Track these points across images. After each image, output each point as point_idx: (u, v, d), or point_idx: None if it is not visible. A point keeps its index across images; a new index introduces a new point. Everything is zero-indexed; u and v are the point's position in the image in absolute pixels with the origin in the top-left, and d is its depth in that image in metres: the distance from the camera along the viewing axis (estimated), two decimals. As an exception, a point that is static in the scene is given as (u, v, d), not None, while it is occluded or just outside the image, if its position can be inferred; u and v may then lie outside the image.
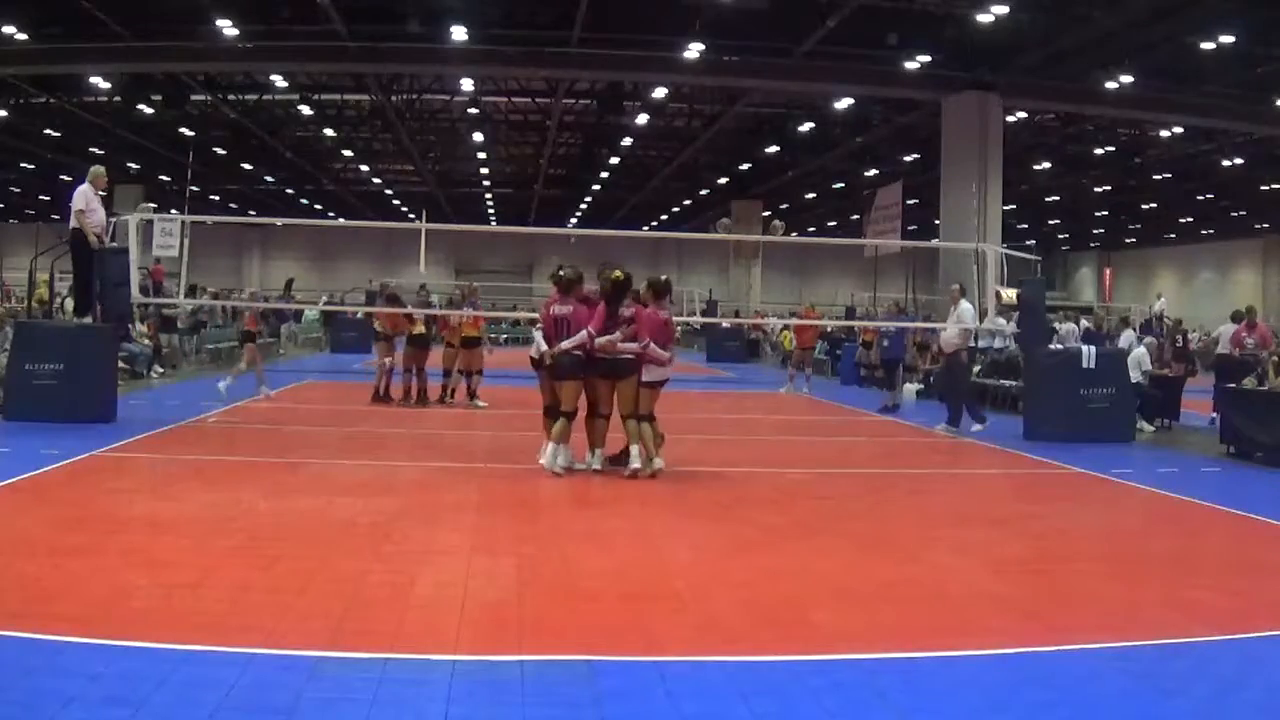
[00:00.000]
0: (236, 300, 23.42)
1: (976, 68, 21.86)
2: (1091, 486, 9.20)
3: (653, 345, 8.66)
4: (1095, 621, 4.91)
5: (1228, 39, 18.55)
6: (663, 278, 9.32)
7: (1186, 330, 25.24)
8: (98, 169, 11.80)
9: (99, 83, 25.46)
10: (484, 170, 39.72)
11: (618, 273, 8.63)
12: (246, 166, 38.08)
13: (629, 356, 8.40)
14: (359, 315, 29.81)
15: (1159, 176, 35.23)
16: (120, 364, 13.43)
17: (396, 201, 47.15)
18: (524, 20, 21.00)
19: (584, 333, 8.40)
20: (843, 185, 39.02)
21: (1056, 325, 19.22)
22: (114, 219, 12.35)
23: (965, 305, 13.21)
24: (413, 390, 14.17)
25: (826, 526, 7.16)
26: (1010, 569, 6.00)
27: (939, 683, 4.01)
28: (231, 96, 27.57)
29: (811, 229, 49.58)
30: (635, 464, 8.34)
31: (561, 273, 9.00)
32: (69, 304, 14.24)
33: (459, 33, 20.52)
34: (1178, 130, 27.34)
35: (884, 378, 16.23)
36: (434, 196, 43.94)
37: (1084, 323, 23.66)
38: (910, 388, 18.23)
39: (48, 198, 42.21)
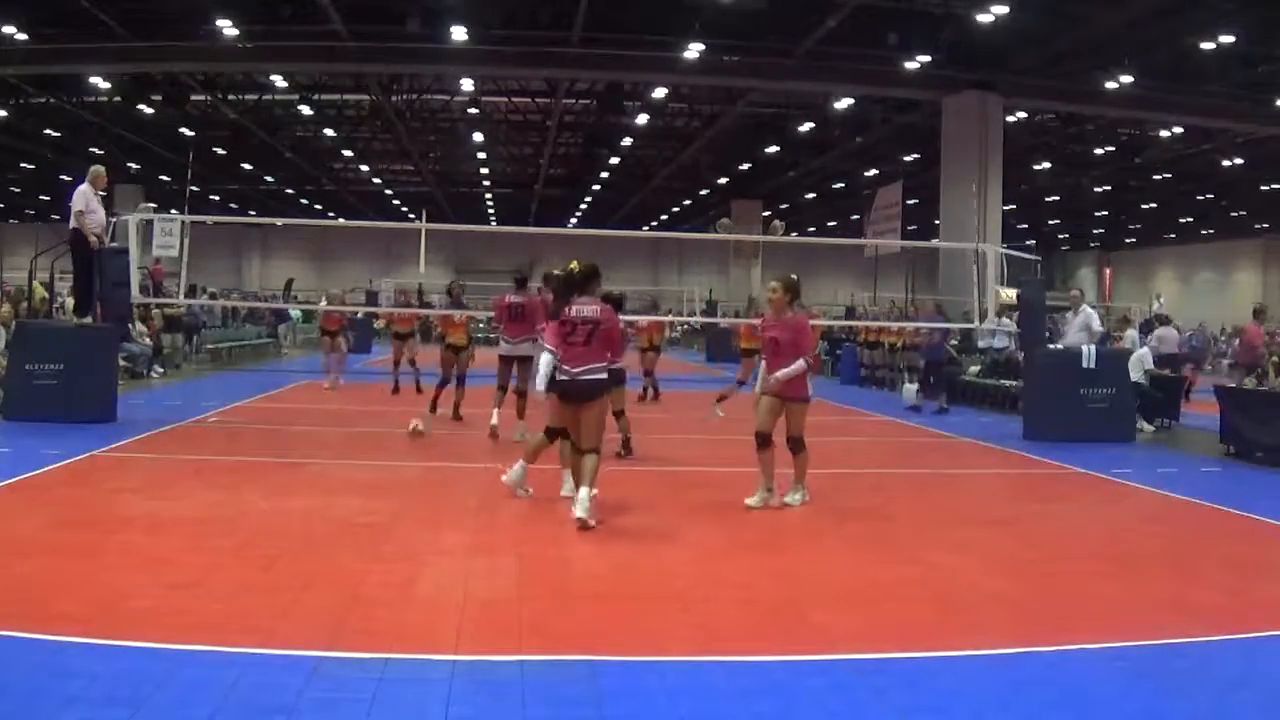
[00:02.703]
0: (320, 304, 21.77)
1: (976, 68, 21.87)
2: (1091, 486, 9.20)
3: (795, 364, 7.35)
4: (1095, 621, 4.91)
5: (1228, 39, 18.57)
6: (793, 276, 7.93)
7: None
8: (98, 169, 11.79)
9: (99, 83, 25.50)
10: (484, 170, 39.76)
11: (574, 264, 7.06)
12: (246, 166, 38.10)
13: (599, 376, 6.86)
14: (359, 315, 29.86)
15: (1159, 176, 35.26)
16: (120, 364, 13.44)
17: (396, 201, 47.17)
18: (524, 20, 21.03)
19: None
20: (843, 185, 39.05)
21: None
22: (114, 219, 12.35)
23: (1088, 309, 13.31)
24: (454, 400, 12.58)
25: (826, 526, 7.16)
26: (1010, 569, 6.00)
27: (940, 683, 4.01)
28: (231, 96, 27.59)
29: (811, 229, 49.60)
30: (580, 512, 6.55)
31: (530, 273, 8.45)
32: (69, 304, 14.27)
33: (459, 33, 20.54)
34: (1178, 130, 27.36)
35: (925, 380, 16.19)
36: (434, 196, 43.95)
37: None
38: (910, 388, 18.22)
39: (48, 198, 42.24)
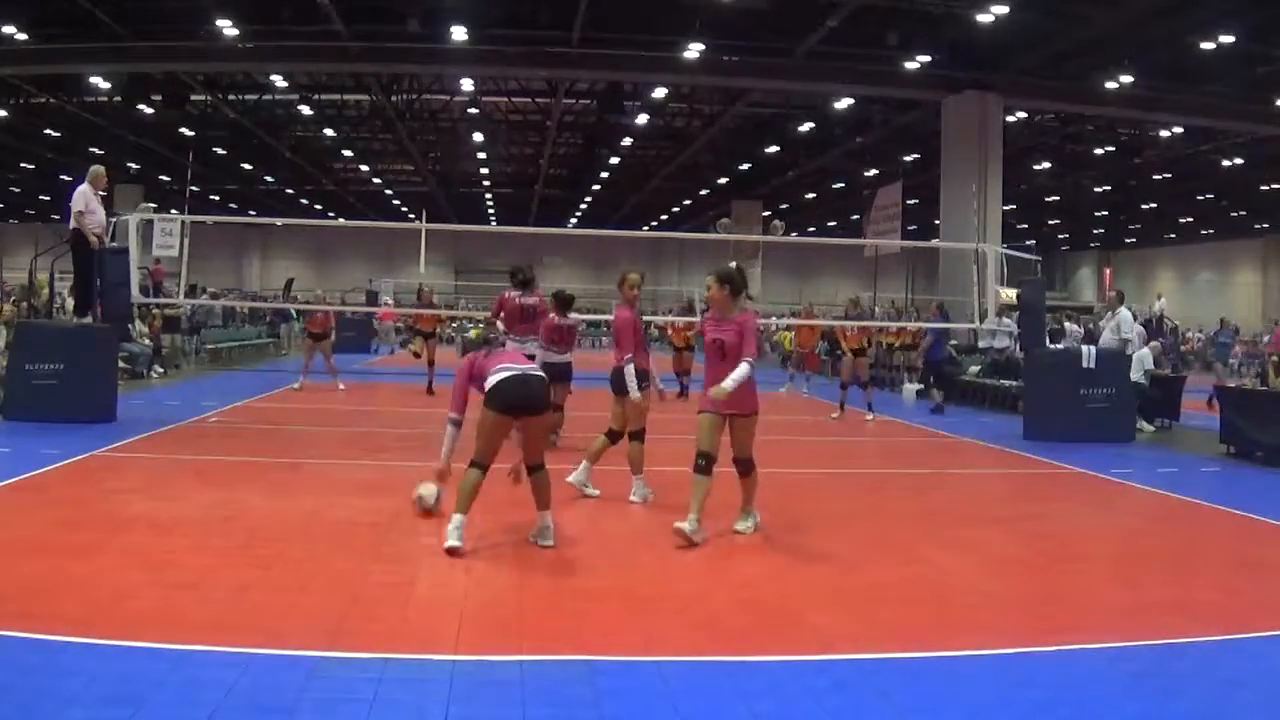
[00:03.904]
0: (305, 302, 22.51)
1: (976, 68, 21.87)
2: (1091, 486, 9.20)
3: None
4: (1095, 621, 4.91)
5: (1228, 39, 18.56)
6: (732, 265, 6.97)
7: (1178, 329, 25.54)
8: (97, 169, 11.80)
9: (99, 83, 25.49)
10: (484, 170, 39.74)
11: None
12: (246, 166, 38.10)
13: (535, 374, 6.00)
14: (354, 315, 30.03)
15: (1159, 176, 35.24)
16: (120, 364, 13.45)
17: (396, 201, 47.16)
18: (524, 20, 21.02)
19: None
20: (843, 185, 39.03)
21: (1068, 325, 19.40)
22: (114, 219, 12.35)
23: (1125, 313, 13.32)
24: None
25: (826, 526, 7.15)
26: (1010, 569, 6.01)
27: (939, 683, 4.01)
28: (231, 96, 27.60)
29: (811, 229, 49.57)
30: (547, 539, 5.97)
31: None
32: (69, 303, 14.29)
33: (459, 33, 20.54)
34: (1178, 130, 27.35)
35: (926, 380, 16.38)
36: (434, 196, 43.94)
37: (1084, 322, 23.77)
38: (910, 387, 18.25)
39: (48, 198, 42.23)
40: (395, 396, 15.33)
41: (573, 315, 10.36)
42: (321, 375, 16.51)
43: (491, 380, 5.80)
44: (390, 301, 33.63)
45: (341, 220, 48.73)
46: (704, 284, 6.39)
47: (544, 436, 6.11)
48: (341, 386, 16.20)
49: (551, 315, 10.08)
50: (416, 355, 16.51)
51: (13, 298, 20.66)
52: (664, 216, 50.14)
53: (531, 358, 6.60)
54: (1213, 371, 24.90)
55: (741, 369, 6.13)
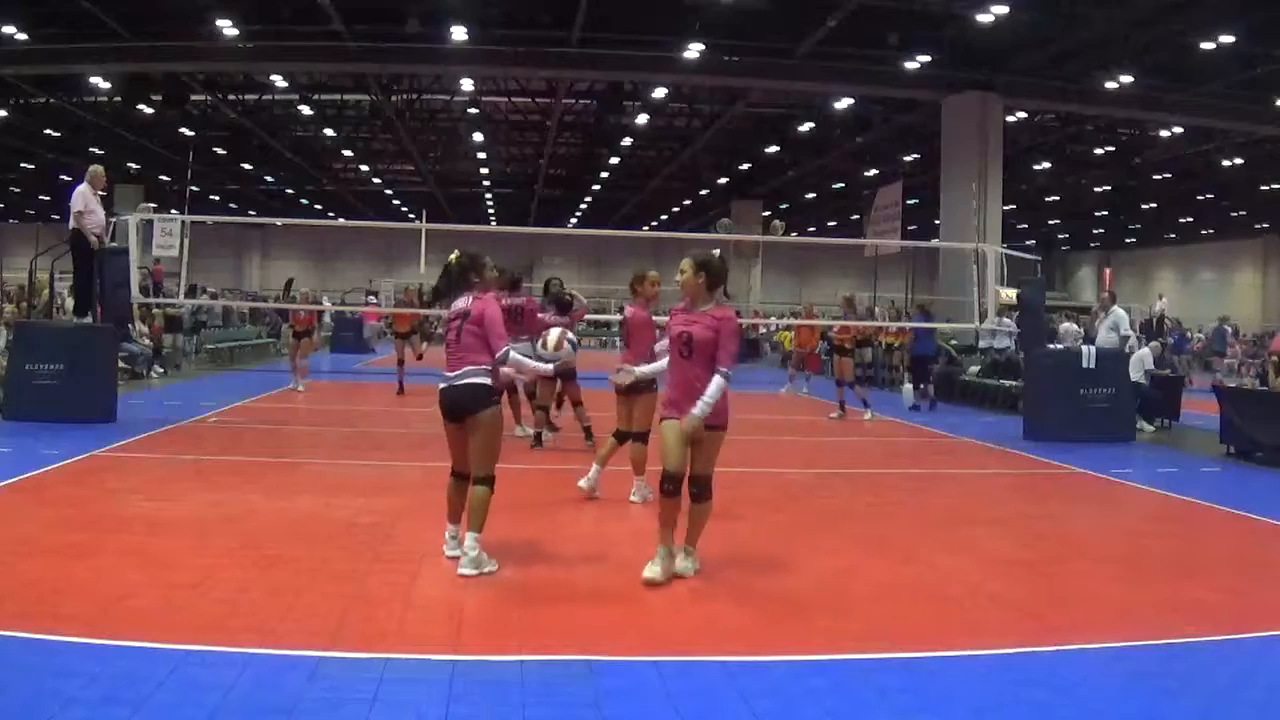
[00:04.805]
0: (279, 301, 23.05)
1: (976, 68, 21.87)
2: (1091, 486, 9.21)
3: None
4: (1095, 621, 4.91)
5: (1228, 39, 18.55)
6: (713, 252, 6.33)
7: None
8: (96, 169, 11.80)
9: (99, 83, 25.48)
10: (484, 170, 39.72)
11: (453, 255, 5.81)
12: (246, 166, 38.08)
13: (480, 380, 5.47)
14: (355, 315, 30.04)
15: (1159, 176, 35.22)
16: (120, 364, 13.44)
17: (396, 201, 47.14)
18: (524, 20, 21.02)
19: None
20: (843, 185, 39.01)
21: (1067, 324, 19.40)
22: (114, 219, 12.35)
23: (1120, 312, 13.35)
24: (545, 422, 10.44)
25: (826, 526, 7.16)
26: (1010, 569, 6.00)
27: (939, 683, 4.01)
28: (231, 96, 27.59)
29: (811, 229, 49.55)
30: (466, 568, 5.33)
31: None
32: (70, 303, 14.29)
33: (459, 33, 20.55)
34: (1178, 130, 27.34)
35: (918, 378, 16.41)
36: (434, 196, 43.92)
37: (1084, 323, 23.77)
38: (909, 388, 18.24)
39: (48, 198, 42.23)
40: (394, 397, 15.32)
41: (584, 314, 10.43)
42: (321, 374, 16.51)
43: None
44: (376, 302, 33.68)
45: (341, 220, 48.69)
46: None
47: (481, 446, 5.44)
48: (300, 389, 15.72)
49: (544, 315, 10.07)
50: (419, 357, 16.58)
51: (13, 298, 20.66)
52: (664, 216, 50.10)
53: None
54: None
55: (715, 385, 5.30)
